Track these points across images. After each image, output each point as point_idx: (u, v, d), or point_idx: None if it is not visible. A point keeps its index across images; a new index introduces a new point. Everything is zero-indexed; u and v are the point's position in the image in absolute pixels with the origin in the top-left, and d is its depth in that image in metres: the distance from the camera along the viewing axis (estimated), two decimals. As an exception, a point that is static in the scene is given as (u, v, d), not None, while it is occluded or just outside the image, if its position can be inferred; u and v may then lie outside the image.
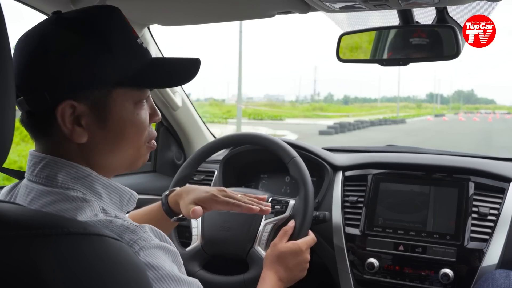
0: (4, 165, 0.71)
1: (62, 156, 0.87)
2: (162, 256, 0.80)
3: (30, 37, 0.87)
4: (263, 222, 1.60)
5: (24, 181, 0.90)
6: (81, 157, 0.89)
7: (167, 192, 1.39)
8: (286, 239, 1.46)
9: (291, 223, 1.52)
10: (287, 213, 1.59)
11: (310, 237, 1.50)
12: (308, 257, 1.45)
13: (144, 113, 0.94)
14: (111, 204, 0.91)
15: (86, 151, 0.89)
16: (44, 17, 1.50)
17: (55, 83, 0.83)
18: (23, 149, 10.65)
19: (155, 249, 0.79)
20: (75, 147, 0.88)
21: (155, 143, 1.01)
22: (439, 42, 1.52)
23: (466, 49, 1.49)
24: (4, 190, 0.95)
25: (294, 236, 1.49)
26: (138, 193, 1.01)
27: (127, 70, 0.88)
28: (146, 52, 0.94)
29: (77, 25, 0.87)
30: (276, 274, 1.37)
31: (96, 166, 0.91)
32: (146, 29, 1.87)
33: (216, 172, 2.08)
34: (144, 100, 0.94)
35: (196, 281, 0.86)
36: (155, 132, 1.01)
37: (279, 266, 1.39)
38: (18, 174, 0.97)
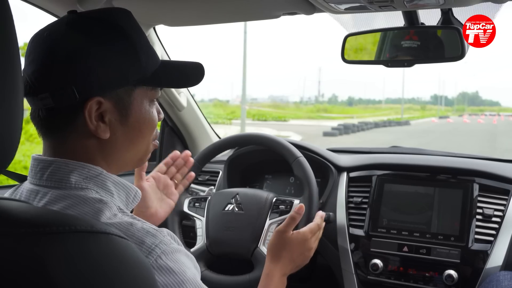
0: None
1: (78, 153, 0.88)
2: (184, 261, 0.81)
3: (53, 34, 0.87)
4: (267, 222, 1.61)
5: (27, 185, 0.89)
6: (100, 153, 0.90)
7: None
8: (293, 227, 1.40)
9: (300, 210, 1.42)
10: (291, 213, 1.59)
11: (314, 223, 1.46)
12: (312, 245, 1.43)
13: (155, 111, 0.98)
14: (119, 202, 0.91)
15: (105, 147, 0.90)
16: (49, 17, 1.52)
17: (84, 79, 0.84)
18: (27, 148, 10.68)
19: (176, 253, 0.80)
20: (95, 143, 0.89)
21: (158, 142, 1.05)
22: (444, 44, 1.52)
23: (471, 50, 1.50)
24: (6, 195, 0.94)
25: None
26: None
27: (147, 70, 0.91)
28: (156, 53, 0.97)
29: (105, 24, 0.88)
30: (282, 269, 1.34)
31: (112, 162, 0.92)
32: (152, 29, 1.88)
33: (220, 173, 2.08)
34: (155, 99, 0.98)
35: None
36: (158, 131, 1.04)
37: (287, 259, 1.36)
38: (19, 177, 0.96)
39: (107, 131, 0.88)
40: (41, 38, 0.87)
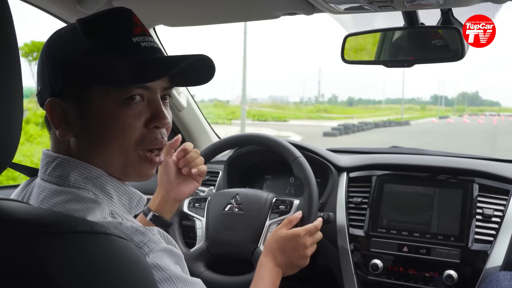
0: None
1: (63, 152, 0.90)
2: (167, 258, 0.82)
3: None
4: (267, 222, 1.61)
5: (38, 179, 0.91)
6: (70, 155, 0.90)
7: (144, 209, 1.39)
8: (289, 228, 1.48)
9: (298, 214, 1.54)
10: (291, 213, 1.60)
11: (312, 224, 1.51)
12: (307, 243, 1.45)
13: (133, 114, 0.88)
14: (120, 206, 0.92)
15: (74, 150, 0.90)
16: (49, 17, 1.52)
17: (43, 80, 0.89)
18: (27, 149, 10.70)
19: (162, 252, 0.80)
20: (67, 145, 0.90)
21: (161, 158, 0.95)
22: (444, 44, 1.52)
23: (471, 51, 1.50)
24: (19, 187, 0.97)
25: None
26: (142, 193, 1.00)
27: (106, 68, 0.86)
28: (139, 50, 0.89)
29: (66, 29, 0.91)
30: (273, 260, 1.40)
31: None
32: (152, 30, 1.87)
33: (220, 173, 2.08)
34: (137, 100, 0.88)
35: (199, 281, 0.87)
36: (162, 141, 0.93)
37: (277, 251, 1.41)
38: (30, 171, 0.98)
39: (68, 132, 0.88)
40: None
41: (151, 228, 0.83)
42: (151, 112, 0.91)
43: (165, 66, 0.89)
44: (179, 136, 1.38)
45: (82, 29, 0.88)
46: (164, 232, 0.87)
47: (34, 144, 11.73)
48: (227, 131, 19.32)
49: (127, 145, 0.89)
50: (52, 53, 0.89)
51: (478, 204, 1.65)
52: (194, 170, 1.39)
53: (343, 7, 1.36)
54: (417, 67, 1.62)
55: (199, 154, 1.43)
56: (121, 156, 0.89)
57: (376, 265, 1.67)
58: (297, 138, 19.35)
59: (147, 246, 0.78)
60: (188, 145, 1.43)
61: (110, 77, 0.86)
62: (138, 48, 0.89)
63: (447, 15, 1.50)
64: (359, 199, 1.81)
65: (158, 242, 0.80)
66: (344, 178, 1.89)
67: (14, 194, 0.96)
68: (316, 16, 1.52)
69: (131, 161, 0.90)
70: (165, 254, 0.81)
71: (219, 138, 2.43)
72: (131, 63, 0.87)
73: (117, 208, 0.89)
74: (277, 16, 1.57)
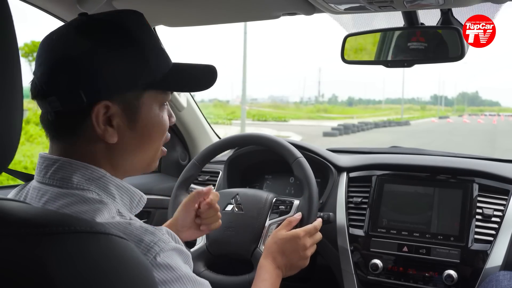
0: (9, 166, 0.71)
1: (85, 156, 0.88)
2: (177, 258, 0.82)
3: (63, 36, 0.88)
4: (267, 222, 1.61)
5: (34, 183, 0.90)
6: (107, 157, 0.90)
7: None
8: (289, 229, 1.47)
9: (298, 215, 1.53)
10: (291, 213, 1.60)
11: (311, 225, 1.49)
12: (307, 244, 1.44)
13: (165, 115, 0.97)
14: (121, 206, 0.92)
15: (113, 151, 0.90)
16: (49, 17, 1.52)
17: (91, 83, 0.84)
18: (27, 149, 10.70)
19: (172, 251, 0.81)
20: (103, 147, 0.89)
21: (165, 150, 1.03)
22: (444, 44, 1.52)
23: (471, 51, 1.49)
24: (12, 192, 0.96)
25: None
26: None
27: (156, 74, 0.91)
28: (168, 56, 0.96)
29: (113, 27, 0.88)
30: (273, 262, 1.39)
31: (118, 166, 0.92)
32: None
33: (220, 173, 2.08)
34: (166, 103, 0.97)
35: (207, 282, 0.89)
36: (169, 135, 1.02)
37: (276, 252, 1.40)
38: (25, 176, 0.97)
39: (115, 135, 0.88)
40: (50, 41, 0.88)
41: (159, 228, 0.84)
42: (168, 113, 0.99)
43: (211, 75, 1.00)
44: (211, 187, 1.38)
45: (126, 32, 0.89)
46: (171, 231, 0.88)
47: (34, 144, 11.73)
48: (227, 131, 19.33)
49: (160, 144, 0.98)
50: (104, 54, 0.85)
51: (478, 204, 1.66)
52: (202, 227, 1.39)
53: (343, 7, 1.36)
54: (417, 67, 1.62)
55: (218, 211, 1.40)
56: (154, 153, 0.98)
57: (376, 265, 1.67)
58: (297, 138, 19.35)
59: (157, 245, 0.78)
60: (213, 201, 1.38)
61: (165, 83, 0.93)
62: (167, 54, 0.96)
63: (447, 15, 1.50)
64: (359, 199, 1.81)
65: (168, 242, 0.81)
66: (344, 178, 1.89)
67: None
68: (316, 16, 1.52)
69: (158, 156, 1.00)
70: (175, 253, 0.82)
71: (219, 138, 2.43)
72: (184, 71, 0.97)
73: (120, 208, 0.89)
74: (277, 16, 1.56)
